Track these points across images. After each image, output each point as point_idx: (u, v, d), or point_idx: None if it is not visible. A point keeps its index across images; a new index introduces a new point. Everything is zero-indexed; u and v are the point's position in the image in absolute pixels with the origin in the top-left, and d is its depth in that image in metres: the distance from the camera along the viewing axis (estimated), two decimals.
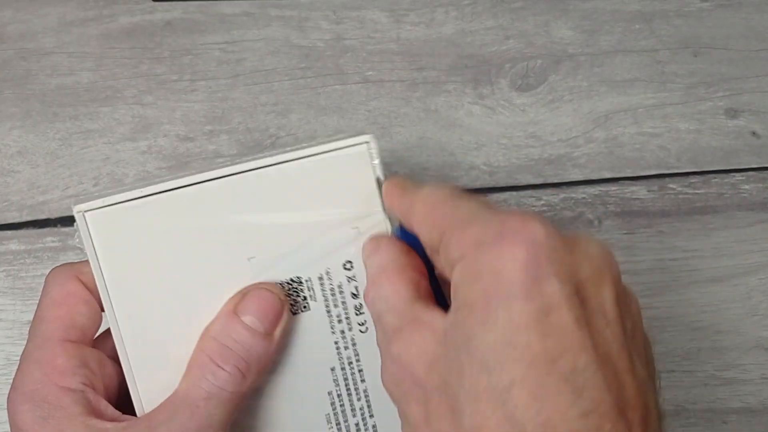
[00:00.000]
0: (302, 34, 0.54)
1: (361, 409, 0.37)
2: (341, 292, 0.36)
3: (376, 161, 0.35)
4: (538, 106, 0.55)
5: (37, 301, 0.35)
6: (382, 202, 0.35)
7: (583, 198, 0.53)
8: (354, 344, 0.36)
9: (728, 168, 0.55)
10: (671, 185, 0.54)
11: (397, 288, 0.31)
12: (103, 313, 0.34)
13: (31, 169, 0.50)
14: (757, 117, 0.56)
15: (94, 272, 0.32)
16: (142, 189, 0.32)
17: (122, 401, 0.34)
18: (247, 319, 0.33)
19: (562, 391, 0.24)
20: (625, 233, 0.53)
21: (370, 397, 0.37)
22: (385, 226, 0.35)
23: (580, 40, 0.56)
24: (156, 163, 0.51)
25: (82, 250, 0.32)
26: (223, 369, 0.32)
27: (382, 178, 0.35)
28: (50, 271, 0.35)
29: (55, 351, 0.32)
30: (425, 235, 0.31)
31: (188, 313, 0.34)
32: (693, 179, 0.54)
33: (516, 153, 0.54)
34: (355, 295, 0.36)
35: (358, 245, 0.35)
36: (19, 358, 0.33)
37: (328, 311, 0.36)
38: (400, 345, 0.30)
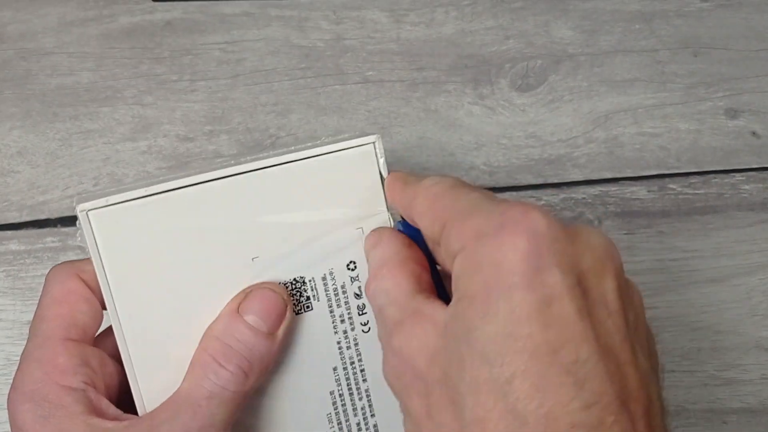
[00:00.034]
0: (302, 34, 0.54)
1: (362, 408, 0.37)
2: (344, 293, 0.36)
3: (382, 161, 0.35)
4: (538, 106, 0.55)
5: (37, 302, 0.34)
6: (387, 202, 0.35)
7: (583, 198, 0.53)
8: (356, 344, 0.36)
9: (728, 168, 0.55)
10: (671, 185, 0.54)
11: (398, 281, 0.31)
12: (104, 312, 0.34)
13: (31, 169, 0.50)
14: (757, 117, 0.56)
15: (96, 271, 0.32)
16: (146, 188, 0.32)
17: (123, 400, 0.34)
18: (250, 318, 0.33)
19: (564, 383, 0.24)
20: (625, 233, 0.53)
21: (372, 397, 0.37)
22: (389, 224, 0.35)
23: (580, 40, 0.56)
24: (156, 164, 0.51)
25: (83, 249, 0.32)
26: (225, 368, 0.32)
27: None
28: (51, 269, 0.35)
29: (55, 350, 0.32)
30: (426, 227, 0.31)
31: (191, 312, 0.33)
32: (693, 179, 0.54)
33: (516, 153, 0.54)
34: (358, 296, 0.36)
35: (361, 246, 0.35)
36: (19, 358, 0.33)
37: (331, 311, 0.36)
38: (401, 338, 0.29)
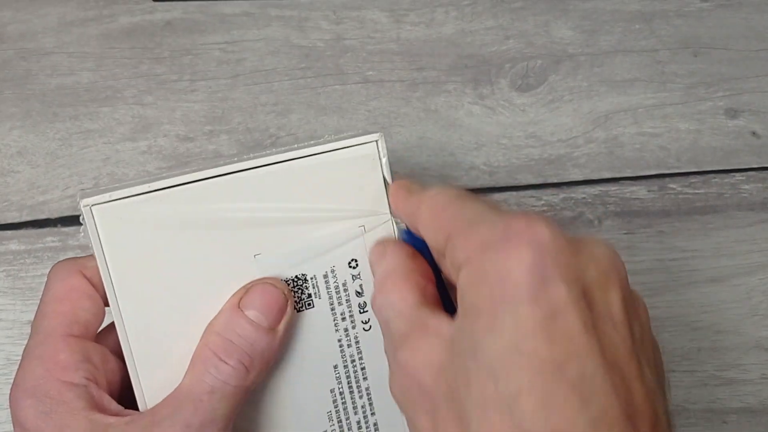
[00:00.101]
0: (302, 34, 0.54)
1: (363, 406, 0.37)
2: (345, 290, 0.36)
3: (385, 160, 0.35)
4: (538, 106, 0.55)
5: (38, 301, 0.34)
6: (389, 200, 0.35)
7: (583, 198, 0.53)
8: (357, 342, 0.36)
9: (728, 168, 0.55)
10: (671, 185, 0.54)
11: (403, 294, 0.31)
12: (106, 308, 0.34)
13: (31, 169, 0.50)
14: (757, 117, 0.56)
15: (99, 267, 0.32)
16: (149, 184, 0.32)
17: (125, 396, 0.34)
18: (251, 313, 0.33)
19: (570, 399, 0.24)
20: (625, 233, 0.53)
21: (372, 395, 0.37)
22: (391, 225, 0.35)
23: (580, 40, 0.56)
24: (156, 163, 0.51)
25: (84, 249, 0.32)
26: (226, 363, 0.32)
27: (389, 176, 0.35)
28: (53, 266, 0.35)
29: (57, 346, 0.32)
30: (431, 238, 0.30)
31: (193, 308, 0.33)
32: (693, 179, 0.55)
33: (516, 153, 0.54)
34: (359, 293, 0.36)
35: (363, 243, 0.35)
36: (19, 358, 0.33)
37: (332, 309, 0.36)
38: (407, 352, 0.29)
